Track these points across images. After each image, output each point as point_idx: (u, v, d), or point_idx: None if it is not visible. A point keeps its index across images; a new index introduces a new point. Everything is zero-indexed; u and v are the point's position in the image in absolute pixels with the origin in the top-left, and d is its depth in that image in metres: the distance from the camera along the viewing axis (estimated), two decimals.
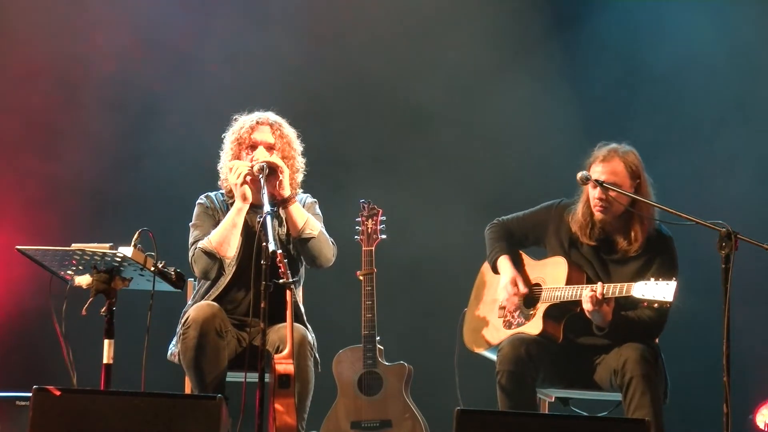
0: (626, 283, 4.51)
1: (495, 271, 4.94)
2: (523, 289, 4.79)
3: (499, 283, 4.90)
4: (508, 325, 4.82)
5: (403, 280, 6.41)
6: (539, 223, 4.91)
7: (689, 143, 6.52)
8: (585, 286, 4.61)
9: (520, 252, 4.96)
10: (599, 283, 4.56)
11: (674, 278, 4.46)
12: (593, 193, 4.68)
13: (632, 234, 4.68)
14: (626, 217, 4.70)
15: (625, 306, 4.63)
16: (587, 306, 4.54)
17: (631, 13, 6.66)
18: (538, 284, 4.83)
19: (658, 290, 4.42)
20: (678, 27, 6.59)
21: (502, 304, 4.88)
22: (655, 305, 4.47)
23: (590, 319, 4.62)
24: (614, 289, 4.52)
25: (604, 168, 4.66)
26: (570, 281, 4.70)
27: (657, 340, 4.76)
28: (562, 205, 4.88)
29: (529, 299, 4.81)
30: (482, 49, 6.67)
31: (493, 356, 4.74)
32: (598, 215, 4.69)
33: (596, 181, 4.62)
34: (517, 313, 4.81)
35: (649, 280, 4.47)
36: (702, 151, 6.49)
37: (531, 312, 4.78)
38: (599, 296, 4.51)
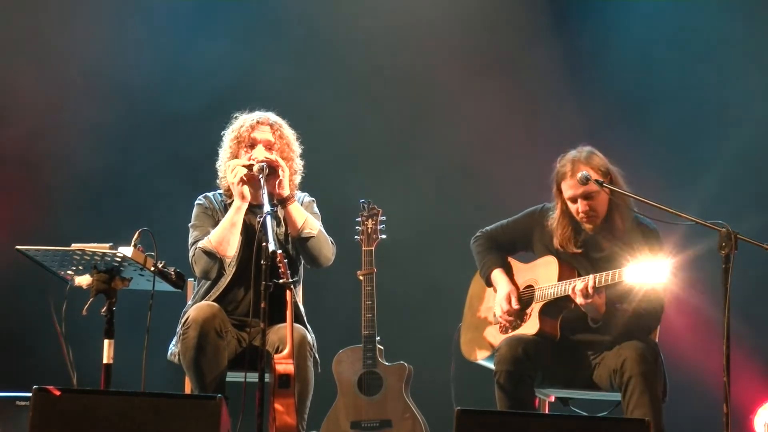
0: (617, 270, 4.50)
1: (488, 284, 4.95)
2: (515, 305, 4.78)
3: (491, 293, 4.92)
4: (505, 329, 4.83)
5: (403, 280, 6.41)
6: (524, 230, 4.92)
7: (690, 141, 6.52)
8: (576, 279, 4.62)
9: (509, 259, 4.97)
10: (590, 275, 4.56)
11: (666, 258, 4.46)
12: (574, 207, 4.68)
13: (614, 230, 4.68)
14: (608, 213, 4.70)
15: (620, 300, 4.63)
16: (579, 300, 4.54)
17: (629, 12, 6.67)
18: (530, 286, 4.83)
19: (651, 271, 4.41)
20: (676, 24, 6.60)
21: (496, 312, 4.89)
22: (648, 288, 4.45)
23: (586, 315, 4.62)
24: (606, 278, 4.52)
25: (575, 182, 4.63)
26: (562, 279, 4.70)
27: (657, 339, 4.77)
28: (544, 210, 4.88)
29: (523, 301, 4.81)
30: (479, 49, 6.69)
31: (492, 365, 4.74)
32: (588, 226, 4.70)
33: (596, 181, 4.61)
34: (513, 317, 4.82)
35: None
36: (703, 149, 6.49)
37: (526, 313, 4.78)
38: (590, 289, 4.52)
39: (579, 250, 4.74)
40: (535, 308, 4.75)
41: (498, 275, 4.89)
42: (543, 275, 4.78)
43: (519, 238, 4.93)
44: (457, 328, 5.08)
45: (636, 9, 6.66)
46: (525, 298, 4.82)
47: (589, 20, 6.71)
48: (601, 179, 4.61)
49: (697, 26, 6.54)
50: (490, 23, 6.69)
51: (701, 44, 6.52)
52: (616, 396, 4.62)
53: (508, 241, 4.96)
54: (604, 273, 4.54)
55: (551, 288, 4.70)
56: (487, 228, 5.03)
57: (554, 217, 4.75)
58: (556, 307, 4.71)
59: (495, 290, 4.91)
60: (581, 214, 4.67)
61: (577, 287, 4.55)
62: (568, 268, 4.73)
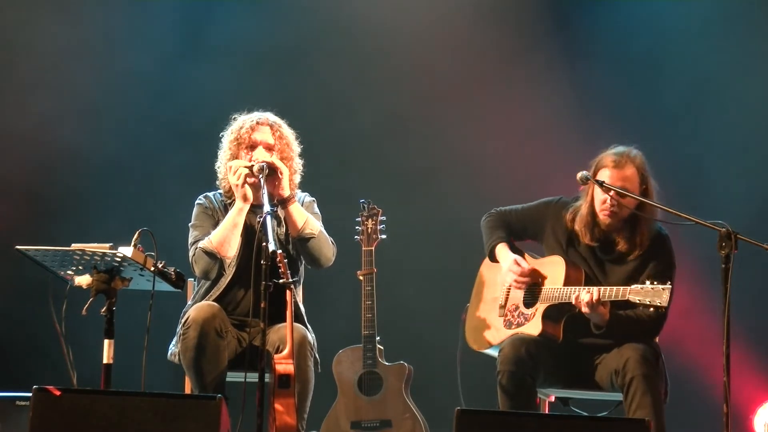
0: (622, 288, 4.51)
1: (492, 259, 4.92)
2: (527, 266, 4.77)
3: (499, 283, 4.90)
4: (509, 324, 4.82)
5: (403, 280, 6.41)
6: (537, 219, 4.90)
7: (689, 139, 6.52)
8: (582, 288, 4.61)
9: (523, 252, 4.95)
10: (595, 288, 4.56)
11: (669, 281, 4.46)
12: (601, 196, 4.67)
13: (637, 239, 4.68)
14: (630, 219, 4.69)
15: (624, 306, 4.63)
16: (584, 309, 4.55)
17: (628, 11, 6.66)
18: (536, 283, 4.82)
19: (653, 294, 4.43)
20: (676, 23, 6.60)
21: (501, 303, 4.88)
22: (651, 309, 4.47)
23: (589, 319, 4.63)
24: (610, 293, 4.52)
25: (615, 174, 4.62)
26: (568, 280, 4.69)
27: (657, 340, 4.77)
28: (560, 202, 4.87)
29: (529, 299, 4.81)
30: (479, 51, 6.68)
31: (495, 353, 4.74)
32: (605, 219, 4.68)
33: (596, 181, 4.61)
34: (517, 312, 4.82)
35: (644, 283, 4.47)
36: (703, 147, 6.48)
37: (530, 312, 4.77)
38: (594, 301, 4.52)
39: (594, 244, 4.73)
40: (539, 309, 4.74)
41: (502, 248, 4.86)
42: (550, 275, 4.77)
43: (530, 225, 4.91)
44: (465, 309, 5.03)
45: (643, 5, 6.66)
46: (530, 296, 4.80)
47: (593, 20, 6.70)
48: (637, 182, 4.62)
49: (701, 23, 6.54)
50: (495, 18, 6.68)
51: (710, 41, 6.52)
52: (617, 396, 4.63)
53: (520, 226, 4.93)
54: (608, 288, 4.53)
55: (557, 291, 4.69)
56: (501, 208, 4.99)
57: (581, 205, 4.74)
58: (559, 310, 4.70)
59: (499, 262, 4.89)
60: (605, 205, 4.66)
61: (581, 297, 4.55)
62: (575, 271, 4.71)
